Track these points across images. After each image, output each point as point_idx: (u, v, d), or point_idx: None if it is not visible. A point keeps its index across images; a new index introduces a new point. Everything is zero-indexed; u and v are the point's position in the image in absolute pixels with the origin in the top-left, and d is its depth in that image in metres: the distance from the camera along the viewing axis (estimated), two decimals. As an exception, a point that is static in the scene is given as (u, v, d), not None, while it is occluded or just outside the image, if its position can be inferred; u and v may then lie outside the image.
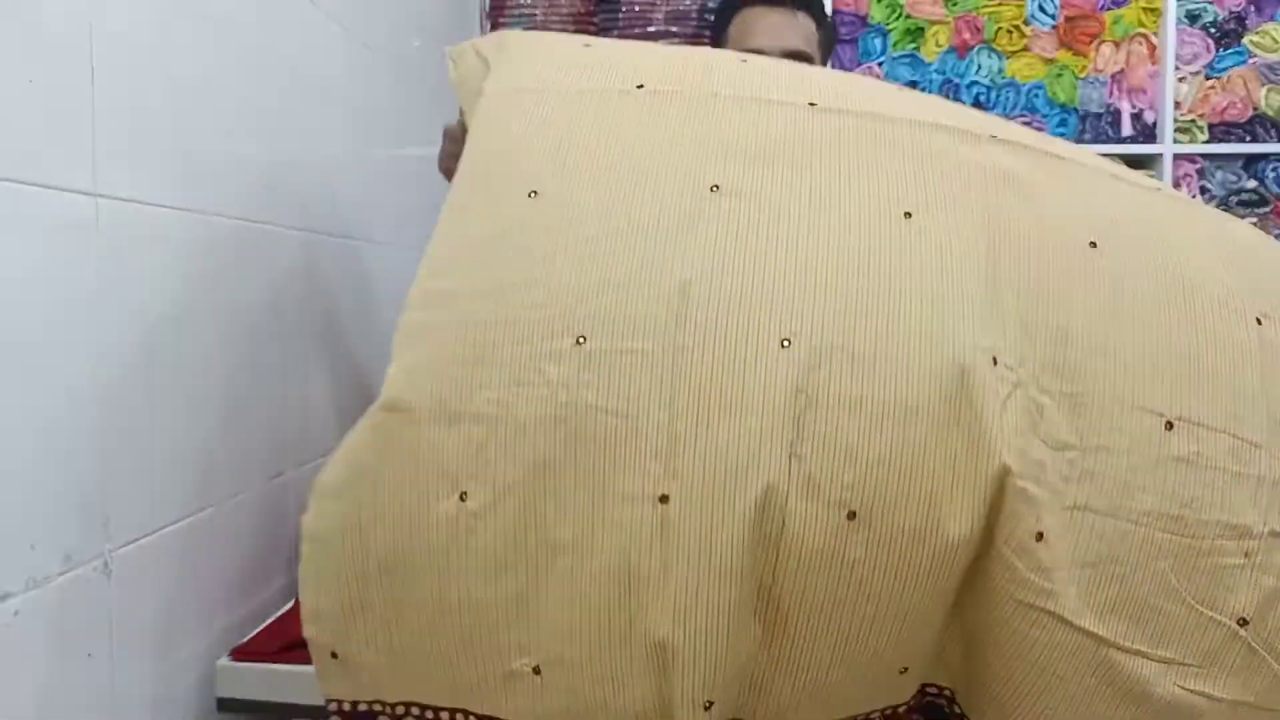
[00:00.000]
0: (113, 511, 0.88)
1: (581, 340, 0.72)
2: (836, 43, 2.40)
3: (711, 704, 0.71)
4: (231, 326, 1.10)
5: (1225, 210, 2.55)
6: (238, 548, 1.11)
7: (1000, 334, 0.75)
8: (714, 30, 1.53)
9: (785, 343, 0.71)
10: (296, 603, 1.13)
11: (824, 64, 1.48)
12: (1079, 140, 2.55)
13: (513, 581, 0.71)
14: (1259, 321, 0.81)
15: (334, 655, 0.76)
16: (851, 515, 0.70)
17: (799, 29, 1.42)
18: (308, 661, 1.01)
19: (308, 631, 0.76)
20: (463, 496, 0.71)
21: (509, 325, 0.73)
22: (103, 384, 0.86)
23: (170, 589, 0.97)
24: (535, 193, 0.78)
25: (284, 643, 1.03)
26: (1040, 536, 0.72)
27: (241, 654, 1.03)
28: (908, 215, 0.77)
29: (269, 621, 1.11)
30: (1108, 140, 2.55)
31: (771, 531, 0.69)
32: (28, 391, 0.78)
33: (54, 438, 0.81)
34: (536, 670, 0.72)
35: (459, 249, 0.78)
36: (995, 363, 0.73)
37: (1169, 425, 0.75)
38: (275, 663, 1.02)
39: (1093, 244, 0.80)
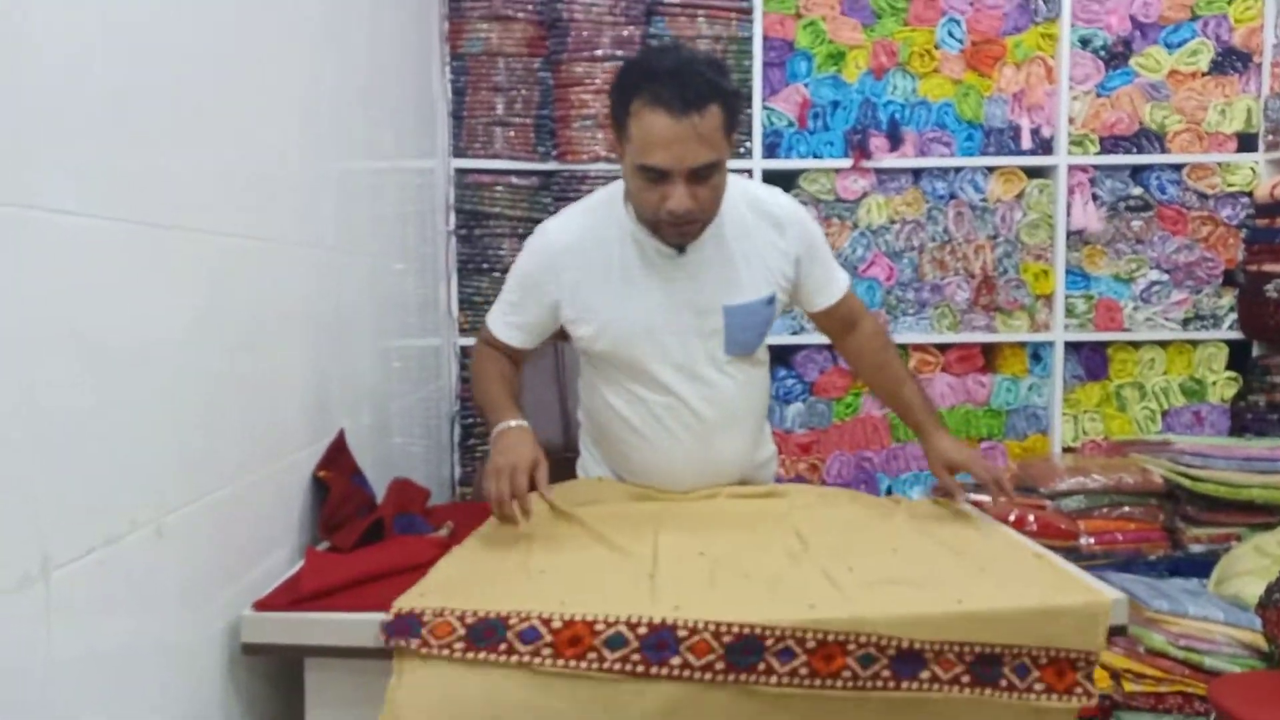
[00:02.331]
0: (165, 486, 1.08)
1: None
2: (743, 102, 2.59)
3: None
4: (247, 331, 1.29)
5: (1114, 215, 2.84)
6: (256, 517, 1.31)
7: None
8: (614, 113, 1.47)
9: None
10: (304, 562, 1.33)
11: (731, 133, 1.46)
12: (984, 153, 2.82)
13: None
14: None
15: None
16: None
17: (703, 135, 1.38)
18: (315, 610, 1.23)
19: None
20: None
21: None
22: (156, 384, 1.06)
23: (205, 551, 1.16)
24: None
25: (296, 596, 1.23)
26: None
27: (262, 605, 1.23)
28: None
29: (282, 579, 1.31)
30: (1010, 153, 2.82)
31: None
32: (111, 387, 0.97)
33: (121, 428, 1.00)
34: None
35: None
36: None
37: None
38: (291, 611, 1.22)
39: None
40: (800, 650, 1.15)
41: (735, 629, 1.14)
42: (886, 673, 1.16)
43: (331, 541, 1.45)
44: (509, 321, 1.66)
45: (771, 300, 1.63)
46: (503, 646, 1.14)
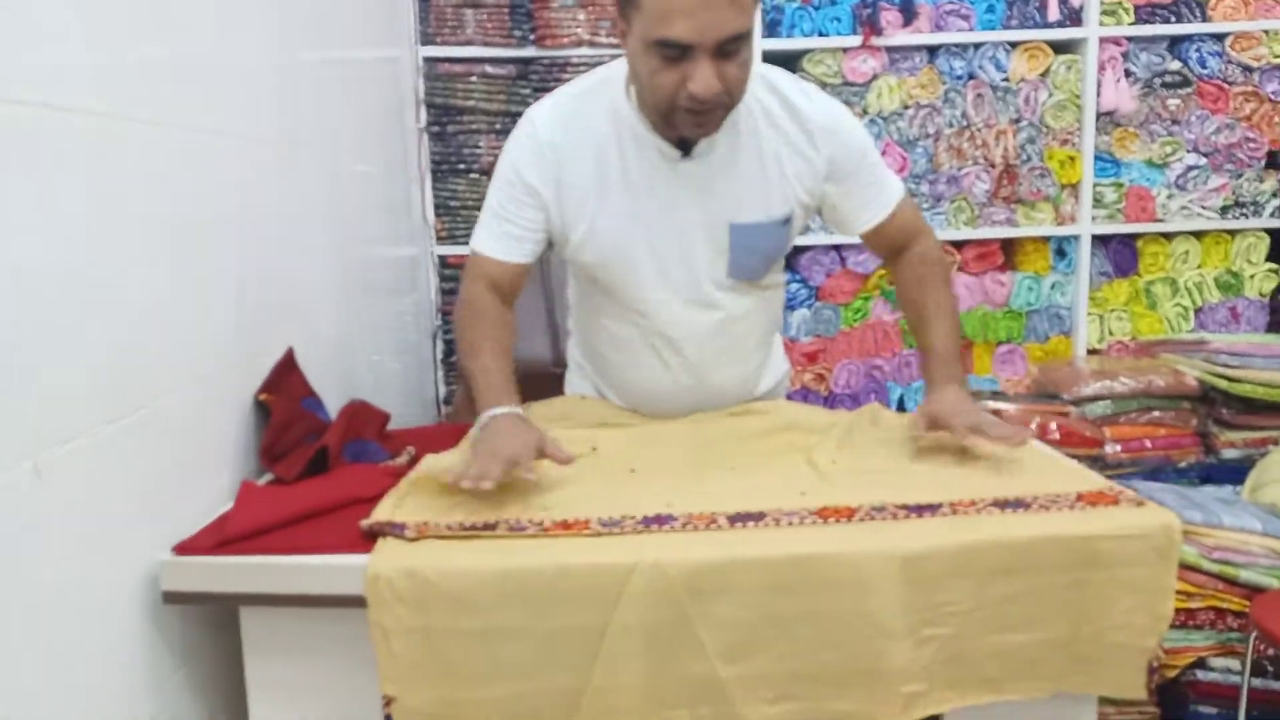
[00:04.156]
0: (41, 415, 0.91)
1: None
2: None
3: None
4: (156, 229, 1.11)
5: (1148, 93, 2.59)
6: (180, 448, 1.14)
7: None
8: None
9: None
10: (236, 502, 1.18)
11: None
12: (1006, 26, 2.56)
13: None
14: None
15: None
16: None
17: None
18: (244, 553, 1.08)
19: None
20: None
21: None
22: (23, 286, 0.88)
23: (106, 489, 1.01)
24: None
25: (222, 538, 1.08)
26: None
27: (184, 549, 1.08)
28: None
29: (211, 520, 1.16)
30: (1035, 25, 2.56)
31: None
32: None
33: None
34: None
35: None
36: None
37: None
38: (215, 555, 1.07)
39: None
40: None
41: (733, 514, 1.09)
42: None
43: (274, 473, 1.29)
44: (502, 232, 1.39)
45: (787, 221, 1.39)
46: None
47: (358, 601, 1.04)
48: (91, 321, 0.99)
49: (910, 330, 1.50)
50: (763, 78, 1.36)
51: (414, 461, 1.35)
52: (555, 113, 1.38)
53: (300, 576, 1.05)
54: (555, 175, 1.36)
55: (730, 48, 1.19)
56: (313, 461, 1.27)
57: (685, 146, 1.33)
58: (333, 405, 1.49)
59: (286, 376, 1.43)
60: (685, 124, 1.25)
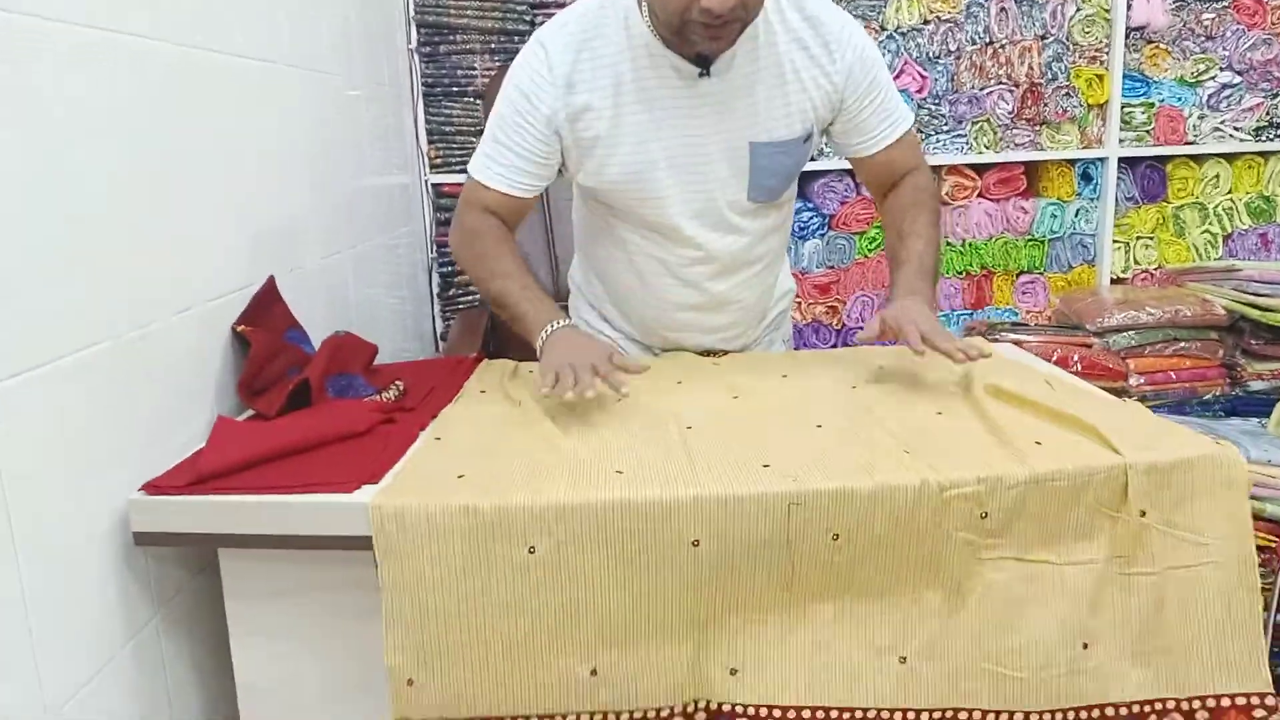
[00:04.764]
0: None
1: None
2: None
3: None
4: (132, 148, 1.02)
5: (1181, 6, 2.45)
6: (148, 381, 1.07)
7: None
8: None
9: None
10: (210, 438, 1.10)
11: None
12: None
13: None
14: None
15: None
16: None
17: None
18: (220, 492, 1.00)
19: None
20: None
21: None
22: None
23: (69, 425, 0.93)
24: None
25: (195, 476, 1.00)
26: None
27: (154, 488, 1.00)
28: None
29: (183, 459, 1.08)
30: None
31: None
32: None
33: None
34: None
35: None
36: None
37: None
38: (187, 493, 0.99)
39: None
40: None
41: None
42: None
43: (254, 409, 1.21)
44: (507, 163, 1.31)
45: (808, 138, 1.32)
46: None
47: (341, 543, 0.97)
48: (57, 241, 0.92)
49: (887, 248, 1.43)
50: None
51: (403, 396, 1.27)
52: (567, 37, 1.28)
53: (279, 516, 0.98)
54: (569, 103, 1.27)
55: None
56: (294, 396, 1.20)
57: (703, 63, 1.24)
58: (320, 339, 1.41)
59: (268, 307, 1.34)
60: (699, 39, 1.16)
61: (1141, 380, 2.22)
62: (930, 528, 0.94)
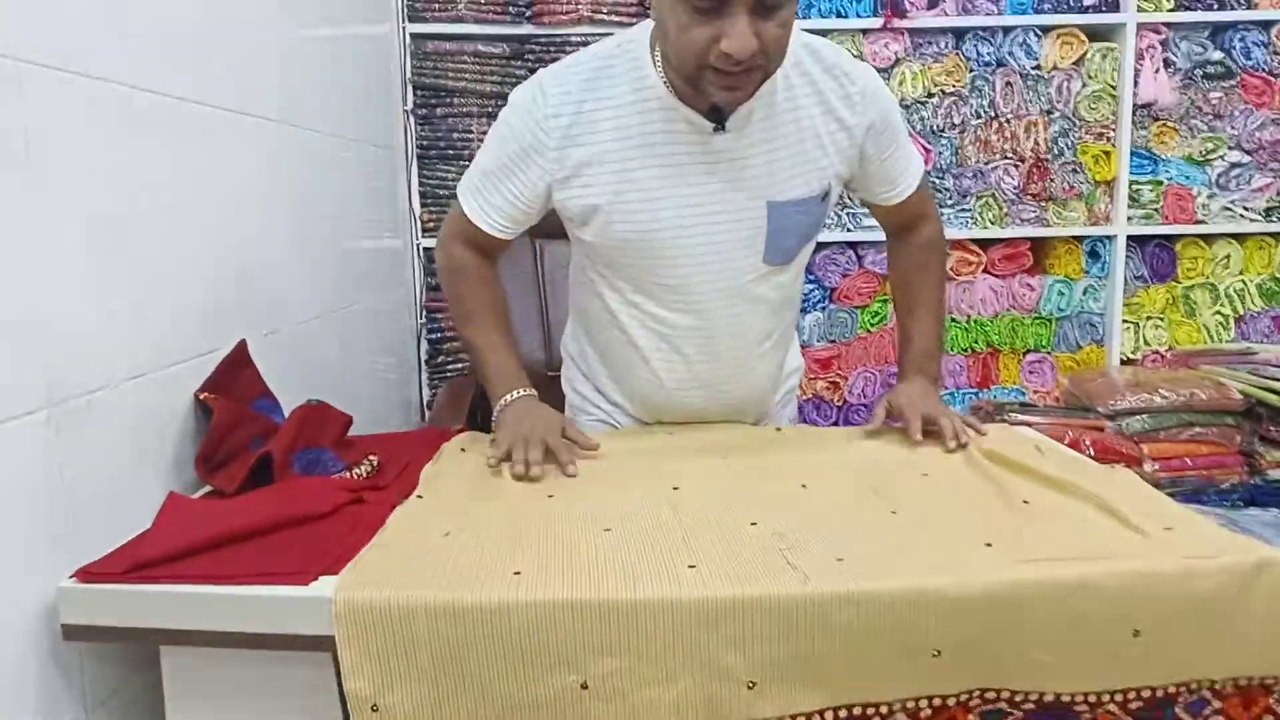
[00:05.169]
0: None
1: None
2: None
3: None
4: (92, 197, 0.94)
5: (1189, 84, 2.43)
6: (95, 455, 0.97)
7: None
8: None
9: None
10: (158, 518, 1.00)
11: None
12: (1038, 10, 2.39)
13: None
14: None
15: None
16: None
17: None
18: (161, 581, 0.90)
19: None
20: None
21: None
22: None
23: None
24: None
25: (135, 562, 0.90)
26: None
27: (87, 575, 0.90)
28: None
29: (125, 541, 0.97)
30: (1069, 10, 2.39)
31: None
32: None
33: None
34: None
35: None
36: None
37: None
38: (126, 582, 0.89)
39: None
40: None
41: None
42: None
43: (212, 484, 1.11)
44: (491, 204, 1.27)
45: (826, 196, 1.26)
46: None
47: (295, 642, 0.86)
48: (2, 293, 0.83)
49: (895, 310, 1.47)
50: (802, 42, 1.23)
51: (376, 473, 1.17)
52: (569, 79, 1.21)
53: (227, 610, 0.87)
54: (565, 149, 1.20)
55: (770, 5, 1.04)
56: (257, 471, 1.10)
57: (718, 118, 1.18)
58: (294, 408, 1.31)
59: (236, 373, 1.25)
60: (714, 87, 1.09)
61: (1156, 466, 2.13)
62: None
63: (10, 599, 0.86)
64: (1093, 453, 2.04)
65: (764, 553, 0.90)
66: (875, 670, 0.83)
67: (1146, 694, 0.85)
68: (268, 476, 1.10)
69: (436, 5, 2.29)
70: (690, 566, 0.87)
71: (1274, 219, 2.48)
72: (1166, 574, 0.85)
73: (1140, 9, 2.37)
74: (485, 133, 2.30)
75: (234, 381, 1.24)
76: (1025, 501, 1.02)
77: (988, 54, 2.39)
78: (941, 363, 1.42)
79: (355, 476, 1.14)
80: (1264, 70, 2.42)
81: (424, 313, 2.40)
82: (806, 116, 1.21)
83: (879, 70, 2.37)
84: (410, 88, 2.31)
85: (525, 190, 1.24)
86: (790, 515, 0.99)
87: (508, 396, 1.27)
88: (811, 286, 2.46)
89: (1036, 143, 2.41)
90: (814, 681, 0.83)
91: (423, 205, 2.36)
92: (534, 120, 1.20)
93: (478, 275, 1.33)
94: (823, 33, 2.34)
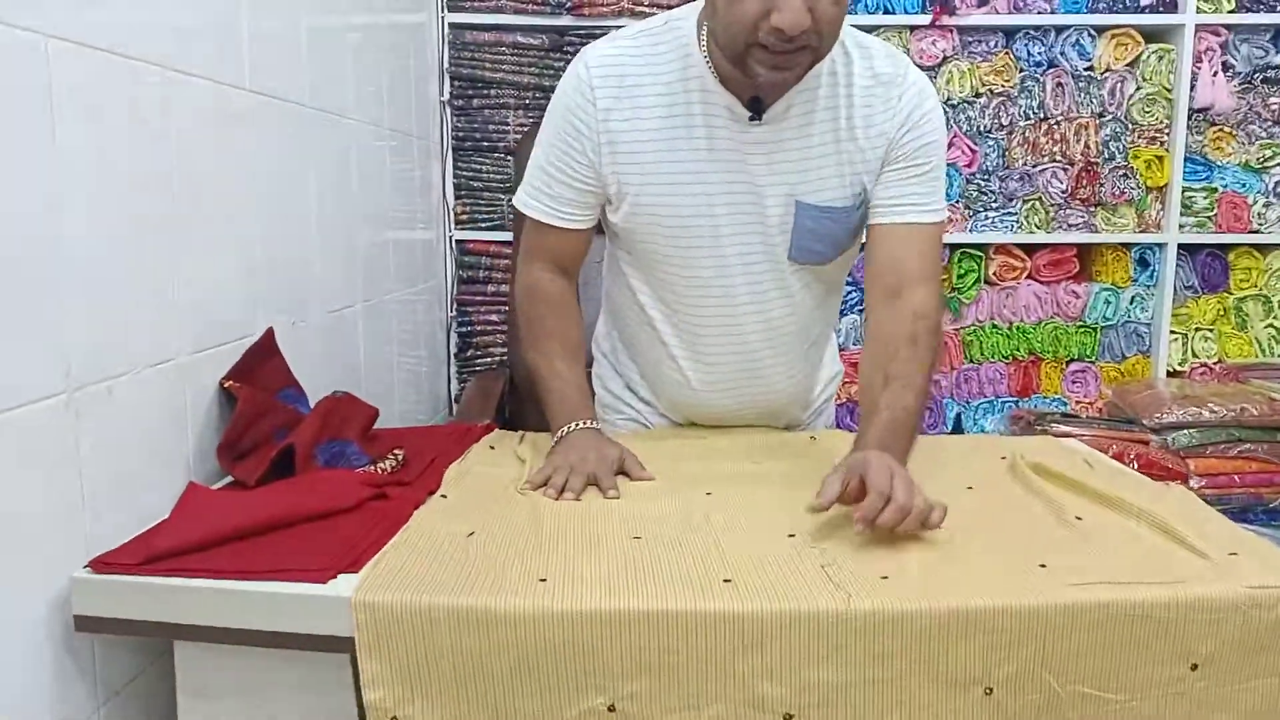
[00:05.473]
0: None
1: None
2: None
3: None
4: (121, 180, 0.92)
5: (1248, 89, 2.35)
6: (114, 443, 0.95)
7: None
8: None
9: None
10: (175, 509, 0.98)
11: None
12: (1091, 10, 2.32)
13: None
14: None
15: None
16: None
17: None
18: (175, 574, 0.88)
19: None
20: None
21: None
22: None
23: (6, 488, 0.81)
24: None
25: (150, 553, 0.88)
26: None
27: (102, 565, 0.88)
28: None
29: (141, 531, 0.95)
30: (1124, 10, 2.32)
31: None
32: None
33: None
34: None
35: None
36: None
37: None
38: (140, 574, 0.87)
39: None
40: None
41: None
42: None
43: (233, 474, 1.09)
44: (551, 195, 1.24)
45: (860, 205, 1.20)
46: None
47: (309, 642, 0.84)
48: (24, 276, 0.81)
49: (862, 386, 1.17)
50: (852, 37, 1.19)
51: (401, 467, 1.14)
52: (613, 53, 1.19)
53: (240, 606, 0.85)
54: (606, 121, 1.18)
55: None
56: (279, 463, 1.07)
57: (757, 109, 1.14)
58: (320, 399, 1.29)
59: (262, 362, 1.23)
60: (762, 65, 1.05)
61: (1203, 482, 2.07)
62: None
63: (24, 586, 0.84)
64: (1136, 467, 1.98)
65: (803, 568, 0.86)
66: (922, 706, 0.79)
67: None
68: (290, 468, 1.08)
69: (475, -6, 2.27)
70: (725, 580, 0.83)
71: (1334, 230, 2.39)
72: (1232, 603, 0.79)
73: (1199, 9, 2.30)
74: (521, 125, 2.28)
75: (260, 370, 1.22)
76: (1078, 518, 0.98)
77: (1039, 54, 2.32)
78: (910, 451, 1.06)
79: (380, 471, 1.11)
80: (1328, 75, 2.33)
81: (455, 306, 2.38)
82: (845, 120, 1.17)
83: (926, 69, 2.31)
84: (447, 78, 2.29)
85: (581, 166, 1.21)
86: (828, 527, 0.95)
87: (568, 427, 1.21)
88: (849, 288, 2.40)
89: (1087, 146, 2.34)
90: (855, 716, 0.79)
91: (456, 197, 2.34)
92: (578, 92, 1.19)
93: (551, 299, 1.29)
94: (869, 28, 2.29)
